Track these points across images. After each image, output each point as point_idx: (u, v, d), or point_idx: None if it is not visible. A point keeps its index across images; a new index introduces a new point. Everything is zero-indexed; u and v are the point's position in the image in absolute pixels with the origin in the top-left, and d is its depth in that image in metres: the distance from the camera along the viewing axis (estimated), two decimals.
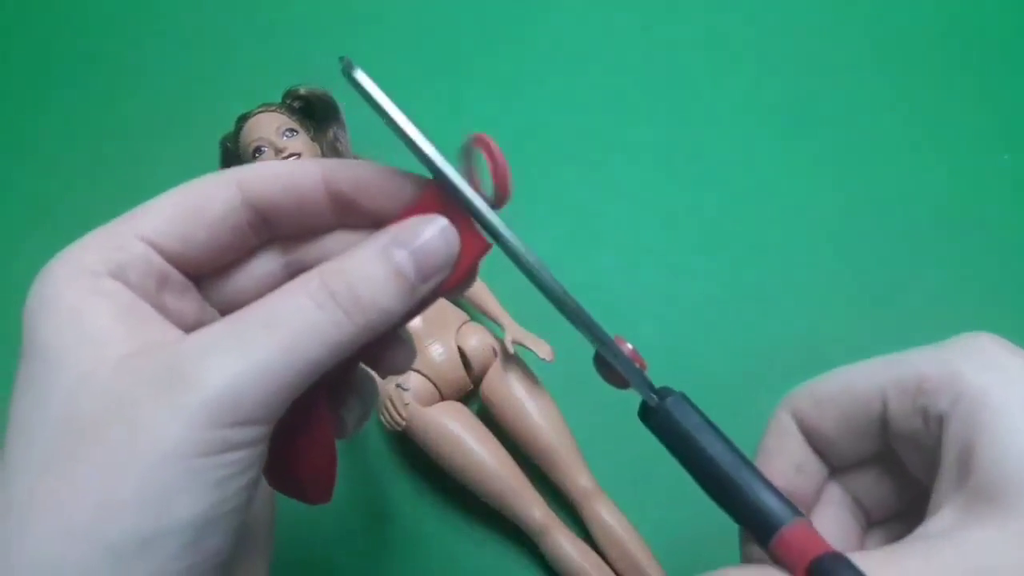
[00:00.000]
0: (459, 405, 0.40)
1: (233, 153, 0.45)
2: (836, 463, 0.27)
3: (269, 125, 0.43)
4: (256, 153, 0.42)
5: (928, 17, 0.53)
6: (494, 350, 0.40)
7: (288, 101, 0.45)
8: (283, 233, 0.25)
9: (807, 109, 0.50)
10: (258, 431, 0.20)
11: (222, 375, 0.19)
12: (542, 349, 0.39)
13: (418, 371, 0.40)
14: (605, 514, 0.38)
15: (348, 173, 0.23)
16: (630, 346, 0.25)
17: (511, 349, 0.39)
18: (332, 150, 0.44)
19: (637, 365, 0.25)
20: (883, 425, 0.25)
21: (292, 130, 0.43)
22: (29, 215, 0.48)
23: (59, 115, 0.51)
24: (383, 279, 0.21)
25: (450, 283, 0.23)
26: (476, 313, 0.42)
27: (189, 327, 0.22)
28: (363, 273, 0.21)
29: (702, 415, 0.25)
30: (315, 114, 0.45)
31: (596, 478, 0.39)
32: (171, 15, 0.54)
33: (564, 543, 0.37)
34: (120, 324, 0.21)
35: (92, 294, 0.21)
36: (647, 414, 0.25)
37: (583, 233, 0.47)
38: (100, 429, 0.19)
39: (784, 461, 0.26)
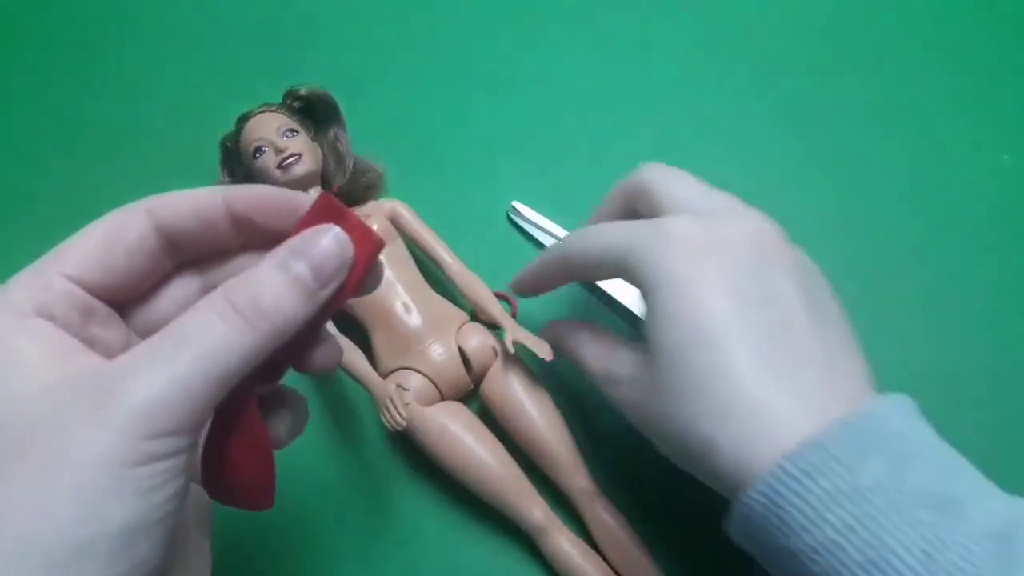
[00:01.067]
0: (459, 405, 0.40)
1: (234, 153, 0.45)
2: None
3: (269, 125, 0.43)
4: (257, 153, 0.42)
5: (928, 17, 0.53)
6: (494, 350, 0.40)
7: (288, 101, 0.45)
8: (194, 256, 0.27)
9: (806, 109, 0.50)
10: (181, 441, 0.22)
11: (141, 389, 0.21)
12: (542, 349, 0.39)
13: (419, 371, 0.40)
14: (605, 514, 0.38)
15: (246, 196, 0.26)
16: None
17: (511, 349, 0.39)
18: (332, 150, 0.44)
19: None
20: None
21: (292, 130, 0.43)
22: (26, 216, 0.48)
23: (57, 117, 0.51)
24: (282, 287, 0.23)
25: (352, 284, 0.25)
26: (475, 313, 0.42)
27: (116, 355, 0.24)
28: (263, 284, 0.23)
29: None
30: (315, 114, 0.45)
31: (596, 478, 0.39)
32: (171, 15, 0.54)
33: (564, 543, 0.37)
34: (46, 358, 0.22)
35: (18, 333, 0.23)
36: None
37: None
38: (31, 446, 0.20)
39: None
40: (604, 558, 0.38)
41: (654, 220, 0.32)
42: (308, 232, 0.24)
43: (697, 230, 0.31)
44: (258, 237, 0.27)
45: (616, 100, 0.50)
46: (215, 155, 0.45)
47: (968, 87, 0.51)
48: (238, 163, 0.44)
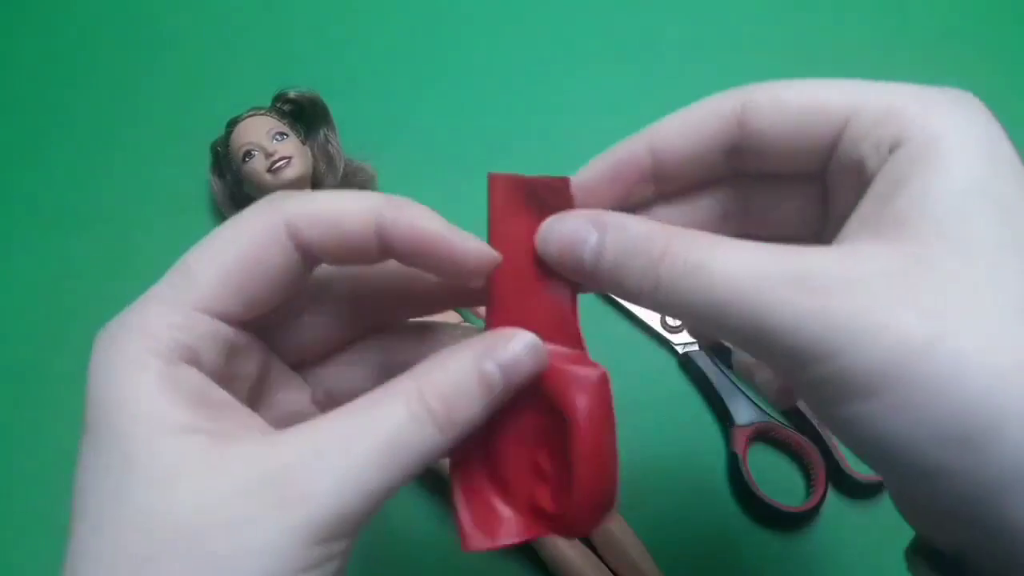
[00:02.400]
0: None
1: (223, 157, 0.44)
2: (750, 168, 0.26)
3: (259, 129, 0.43)
4: (246, 157, 0.42)
5: (927, 16, 0.53)
6: None
7: (278, 104, 0.44)
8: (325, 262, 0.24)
9: None
10: (352, 541, 0.20)
11: (329, 493, 0.19)
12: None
13: None
14: None
15: (404, 232, 0.22)
16: None
17: None
18: (323, 152, 0.44)
19: None
20: (829, 145, 0.24)
21: (282, 133, 0.43)
22: (22, 217, 0.48)
23: (54, 120, 0.51)
24: (476, 394, 0.21)
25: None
26: (470, 315, 0.42)
27: (254, 382, 0.23)
28: (459, 389, 0.21)
29: None
30: (305, 117, 0.45)
31: None
32: (161, 21, 0.54)
33: (562, 545, 0.37)
34: (199, 417, 0.20)
35: (166, 386, 0.20)
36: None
37: None
38: (197, 537, 0.19)
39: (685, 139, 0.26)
40: (602, 560, 0.37)
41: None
42: (505, 333, 0.22)
43: None
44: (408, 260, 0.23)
45: (616, 100, 0.50)
46: (206, 159, 0.45)
47: (968, 87, 0.51)
48: (228, 167, 0.44)
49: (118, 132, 0.50)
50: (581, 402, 0.22)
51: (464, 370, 0.21)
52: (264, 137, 0.42)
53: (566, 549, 0.37)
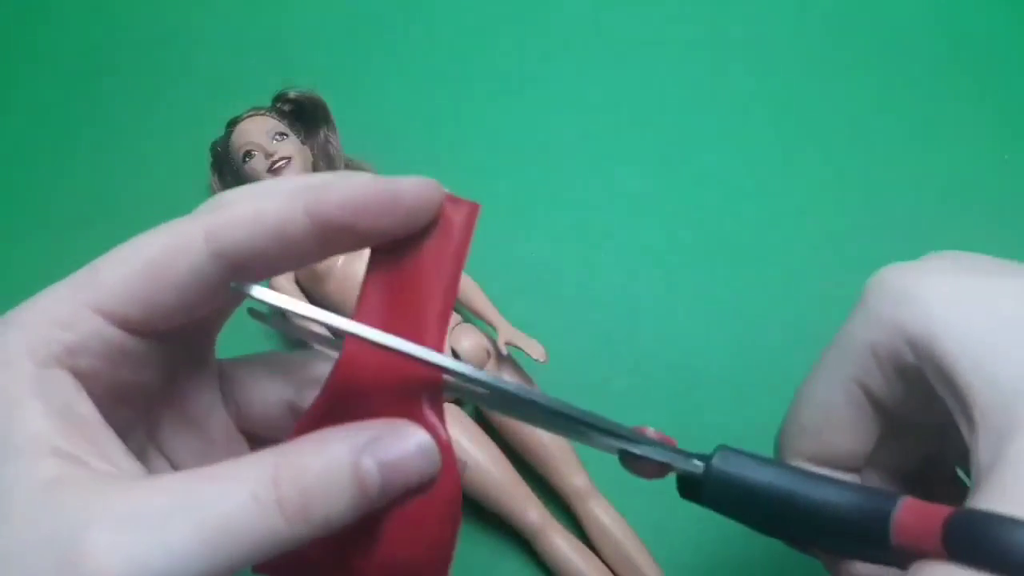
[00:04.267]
0: (454, 407, 0.39)
1: (223, 158, 0.44)
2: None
3: (259, 129, 0.43)
4: (246, 157, 0.42)
5: (927, 16, 0.53)
6: (488, 351, 0.40)
7: (278, 105, 0.45)
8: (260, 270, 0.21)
9: (807, 109, 0.50)
10: None
11: (121, 564, 0.16)
12: (535, 350, 0.38)
13: None
14: (601, 514, 0.37)
15: (339, 203, 0.20)
16: (652, 430, 0.23)
17: (504, 350, 0.39)
18: (323, 153, 0.44)
19: (668, 445, 0.23)
20: (876, 406, 0.24)
21: (282, 134, 0.43)
22: (23, 217, 0.48)
23: (54, 120, 0.51)
24: (343, 491, 0.18)
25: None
26: (468, 314, 0.42)
27: (155, 393, 0.21)
28: (323, 480, 0.18)
29: (751, 455, 0.23)
30: (305, 117, 0.45)
31: (591, 477, 0.38)
32: (160, 21, 0.54)
33: (561, 543, 0.37)
34: (50, 431, 0.18)
35: (32, 391, 0.18)
36: (693, 488, 0.23)
37: (583, 233, 0.46)
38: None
39: None
40: (601, 558, 0.37)
41: None
42: (394, 426, 0.19)
43: None
44: (348, 240, 0.21)
45: (616, 101, 0.50)
46: (205, 160, 0.45)
47: (968, 86, 0.51)
48: (228, 168, 0.44)
49: (118, 132, 0.50)
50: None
51: (337, 460, 0.18)
52: (264, 137, 0.42)
53: (566, 549, 0.37)
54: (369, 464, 0.18)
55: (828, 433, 0.25)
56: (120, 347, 0.20)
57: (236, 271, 0.20)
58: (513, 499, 0.37)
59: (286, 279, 0.41)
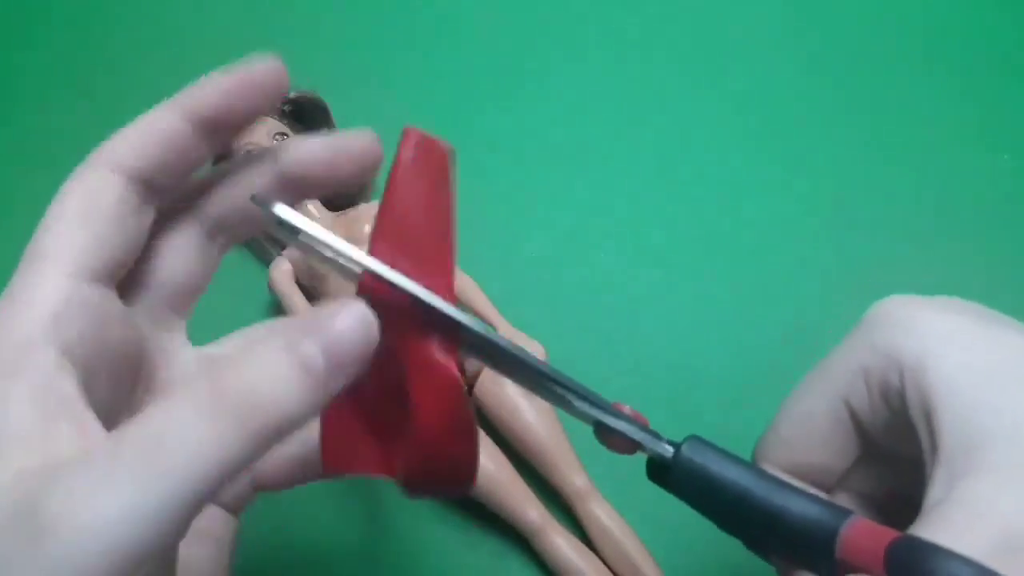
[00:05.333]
0: None
1: (224, 158, 0.44)
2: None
3: (259, 130, 0.43)
4: None
5: (927, 16, 0.53)
6: None
7: (278, 105, 0.44)
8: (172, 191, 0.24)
9: (807, 109, 0.50)
10: (159, 562, 0.18)
11: (86, 521, 0.16)
12: (535, 350, 0.39)
13: None
14: (601, 513, 0.37)
15: (207, 99, 0.24)
16: (628, 408, 0.24)
17: None
18: None
19: (641, 424, 0.24)
20: (857, 428, 0.25)
21: (283, 134, 0.43)
22: (23, 217, 0.48)
23: (53, 120, 0.51)
24: (286, 376, 0.18)
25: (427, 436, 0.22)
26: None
27: (131, 360, 0.22)
28: (263, 371, 0.18)
29: (721, 450, 0.24)
30: (305, 117, 0.45)
31: (591, 477, 0.38)
32: (160, 21, 0.54)
33: (561, 543, 0.37)
34: (35, 422, 0.18)
35: (11, 371, 0.19)
36: (661, 472, 0.24)
37: (583, 233, 0.46)
38: None
39: None
40: (601, 557, 0.37)
41: None
42: (325, 308, 0.19)
43: None
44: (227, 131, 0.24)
45: (616, 101, 0.50)
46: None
47: (968, 86, 0.51)
48: None
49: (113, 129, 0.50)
50: (426, 401, 0.22)
51: (271, 348, 0.18)
52: (264, 137, 0.42)
53: (566, 549, 0.37)
54: (310, 349, 0.18)
55: (805, 444, 0.26)
56: (98, 307, 0.21)
57: (150, 192, 0.23)
58: (513, 499, 0.37)
59: (286, 277, 0.41)
